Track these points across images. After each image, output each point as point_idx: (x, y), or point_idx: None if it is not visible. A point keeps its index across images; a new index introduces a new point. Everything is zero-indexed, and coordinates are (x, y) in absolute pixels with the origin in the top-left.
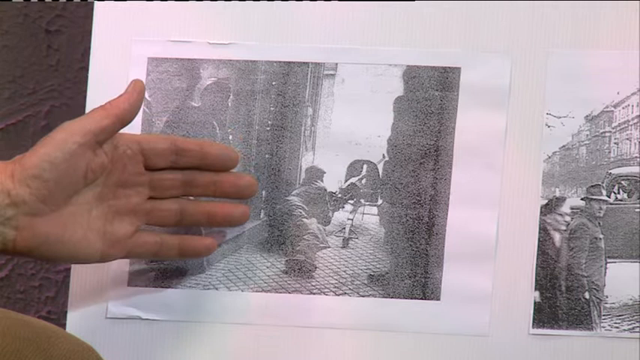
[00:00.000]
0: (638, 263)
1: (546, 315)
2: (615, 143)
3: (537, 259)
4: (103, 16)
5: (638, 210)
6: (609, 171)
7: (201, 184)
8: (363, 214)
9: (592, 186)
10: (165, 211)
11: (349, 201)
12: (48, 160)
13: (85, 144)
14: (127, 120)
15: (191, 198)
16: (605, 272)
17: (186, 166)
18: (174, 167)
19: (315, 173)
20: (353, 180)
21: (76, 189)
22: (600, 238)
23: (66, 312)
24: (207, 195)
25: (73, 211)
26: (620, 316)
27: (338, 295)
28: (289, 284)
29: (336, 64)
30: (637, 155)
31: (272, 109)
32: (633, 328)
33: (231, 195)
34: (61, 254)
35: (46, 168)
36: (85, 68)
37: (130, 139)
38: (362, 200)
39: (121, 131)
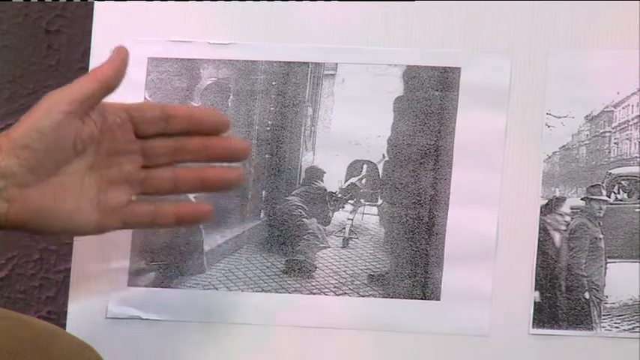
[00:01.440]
0: (638, 263)
1: (546, 315)
2: (615, 143)
3: (537, 259)
4: (103, 16)
5: (638, 210)
6: (609, 171)
7: (192, 149)
8: (363, 214)
9: (592, 186)
10: (159, 179)
11: (349, 201)
12: (36, 130)
13: (71, 112)
14: (111, 86)
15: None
16: (605, 272)
17: (176, 132)
18: (165, 134)
19: (315, 173)
20: (353, 180)
21: (66, 159)
22: (600, 238)
23: (66, 312)
24: (199, 160)
25: (64, 181)
26: (620, 316)
27: (338, 295)
28: (289, 284)
29: (336, 64)
30: (637, 155)
31: (272, 109)
32: (633, 328)
33: (224, 158)
34: (55, 225)
35: (34, 137)
36: (85, 68)
37: (118, 108)
38: (362, 200)
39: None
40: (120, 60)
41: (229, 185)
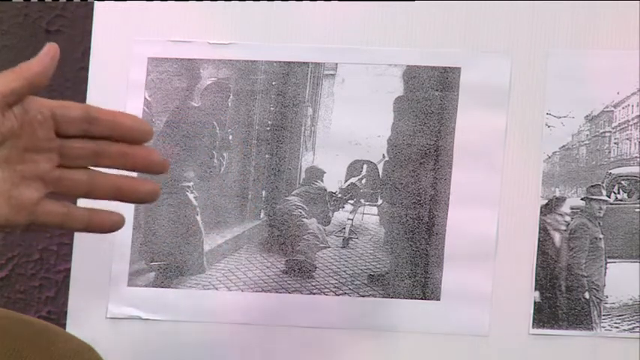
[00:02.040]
0: (638, 263)
1: (546, 315)
2: (615, 143)
3: (537, 259)
4: (103, 16)
5: (638, 210)
6: (609, 171)
7: (112, 155)
8: (363, 214)
9: (592, 186)
10: (74, 181)
11: (349, 201)
12: None
13: None
14: (37, 83)
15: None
16: (605, 272)
17: (98, 135)
18: (86, 136)
19: (315, 173)
20: (353, 180)
21: None
22: (600, 238)
23: (66, 312)
24: (117, 167)
25: None
26: (620, 316)
27: (338, 295)
28: (289, 284)
29: (336, 64)
30: (637, 155)
31: (272, 109)
32: (633, 328)
33: (142, 169)
34: None
35: None
36: (85, 68)
37: (42, 104)
38: (362, 200)
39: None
40: (49, 57)
41: (142, 199)
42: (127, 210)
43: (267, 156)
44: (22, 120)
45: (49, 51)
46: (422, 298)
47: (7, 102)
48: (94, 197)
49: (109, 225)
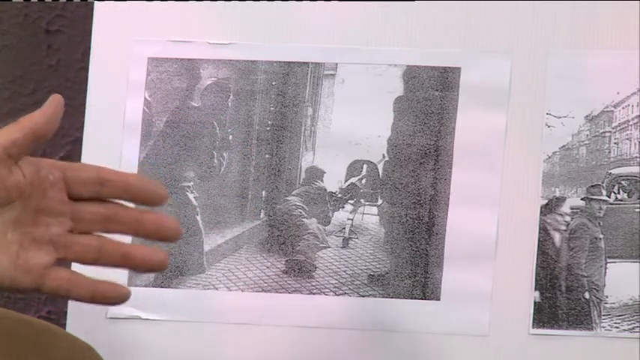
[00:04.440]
0: (638, 263)
1: (546, 315)
2: (615, 143)
3: (537, 259)
4: (103, 16)
5: (638, 210)
6: (609, 171)
7: (124, 221)
8: (363, 214)
9: (592, 186)
10: (85, 246)
11: (349, 201)
12: None
13: None
14: (41, 134)
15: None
16: (605, 272)
17: (110, 196)
18: (98, 198)
19: (315, 173)
20: (353, 180)
21: None
22: (600, 238)
23: (66, 312)
24: (128, 233)
25: None
26: (620, 316)
27: (338, 295)
28: (289, 284)
29: (336, 64)
30: (637, 155)
31: (272, 109)
32: (633, 328)
33: (154, 236)
34: None
35: None
36: (85, 68)
37: (53, 165)
38: (362, 200)
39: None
40: (53, 107)
41: (151, 269)
42: None
43: (267, 156)
44: (32, 179)
45: (53, 101)
46: (422, 298)
47: (9, 154)
48: (102, 265)
49: (114, 297)
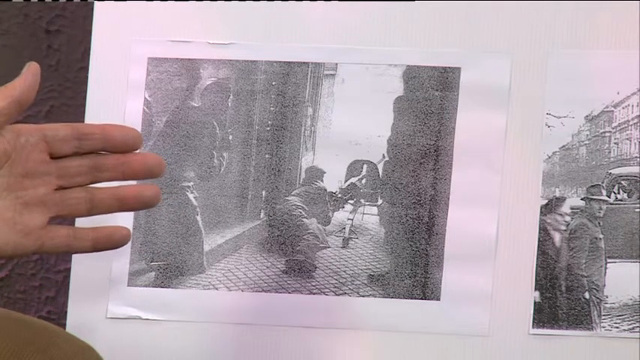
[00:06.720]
0: (638, 263)
1: (546, 315)
2: (615, 143)
3: (537, 259)
4: (103, 16)
5: (638, 210)
6: (609, 171)
7: (109, 168)
8: (363, 214)
9: (592, 186)
10: (75, 200)
11: (349, 201)
12: None
13: None
14: (23, 102)
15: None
16: (605, 272)
17: (90, 149)
18: (79, 153)
19: (315, 173)
20: (353, 180)
21: None
22: (600, 238)
23: (66, 312)
24: (116, 179)
25: None
26: (620, 316)
27: (338, 295)
28: (289, 284)
29: (336, 64)
30: (637, 155)
31: (272, 109)
32: (633, 328)
33: (141, 175)
34: None
35: None
36: (85, 68)
37: (31, 128)
38: (362, 200)
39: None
40: (31, 75)
41: (147, 203)
42: None
43: (267, 156)
44: (14, 145)
45: (30, 69)
46: (422, 298)
47: None
48: (98, 213)
49: (116, 239)
